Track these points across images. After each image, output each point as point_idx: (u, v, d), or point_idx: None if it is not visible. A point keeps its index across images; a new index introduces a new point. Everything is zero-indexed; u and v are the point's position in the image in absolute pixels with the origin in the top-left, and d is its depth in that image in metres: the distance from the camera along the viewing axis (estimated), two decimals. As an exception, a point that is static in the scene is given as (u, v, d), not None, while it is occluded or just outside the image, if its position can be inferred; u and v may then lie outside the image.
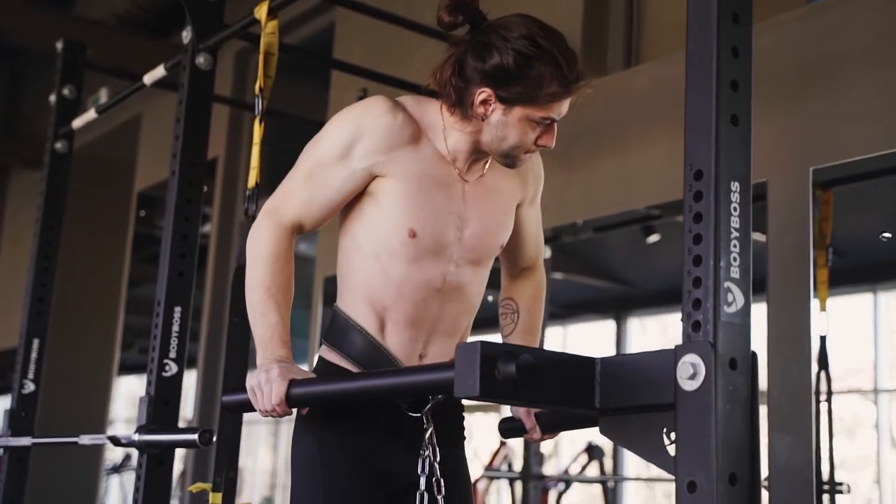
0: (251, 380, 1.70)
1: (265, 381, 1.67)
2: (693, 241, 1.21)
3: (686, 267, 1.21)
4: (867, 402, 5.33)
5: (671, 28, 3.40)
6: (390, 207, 1.81)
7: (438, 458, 1.83)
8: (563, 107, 1.78)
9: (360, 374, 1.62)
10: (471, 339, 1.98)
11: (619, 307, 7.04)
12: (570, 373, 1.30)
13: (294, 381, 1.66)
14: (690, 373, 1.16)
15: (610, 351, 6.73)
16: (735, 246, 1.20)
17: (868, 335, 5.14)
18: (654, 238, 4.44)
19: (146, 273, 6.92)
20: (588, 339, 7.41)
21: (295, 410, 1.74)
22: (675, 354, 1.19)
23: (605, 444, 6.25)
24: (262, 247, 1.81)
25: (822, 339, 2.92)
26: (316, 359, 1.93)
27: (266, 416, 1.71)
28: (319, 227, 1.88)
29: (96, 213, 7.12)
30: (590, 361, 1.31)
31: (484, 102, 1.77)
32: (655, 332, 7.38)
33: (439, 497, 1.82)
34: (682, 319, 1.22)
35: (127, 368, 7.08)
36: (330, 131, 1.84)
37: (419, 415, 1.85)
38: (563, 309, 6.57)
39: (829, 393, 3.01)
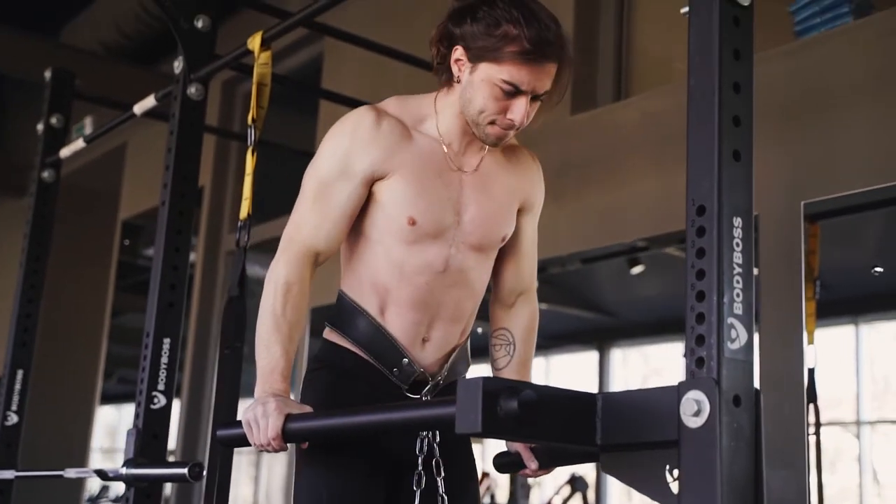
0: (247, 413, 1.69)
1: (261, 415, 1.66)
2: (696, 277, 1.21)
3: (689, 303, 1.21)
4: (848, 434, 5.33)
5: (660, 62, 3.42)
6: (390, 202, 1.86)
7: (438, 440, 1.86)
8: (529, 78, 1.76)
9: (359, 408, 1.60)
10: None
11: (601, 338, 7.03)
12: (571, 409, 1.29)
13: (290, 416, 1.65)
14: (695, 409, 1.16)
15: (593, 381, 6.73)
16: (738, 282, 1.20)
17: (850, 367, 5.14)
18: (637, 269, 4.44)
19: (127, 302, 6.87)
20: (571, 369, 7.40)
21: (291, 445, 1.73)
22: (678, 391, 1.19)
23: (589, 475, 6.23)
24: (277, 277, 1.82)
25: (811, 371, 2.92)
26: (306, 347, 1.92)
27: (261, 451, 1.69)
28: (336, 248, 1.89)
29: (80, 242, 7.07)
30: (591, 397, 1.30)
31: (457, 61, 1.83)
32: (637, 362, 7.37)
33: (438, 479, 1.84)
34: (684, 355, 1.21)
35: (105, 398, 7.01)
36: (326, 151, 1.88)
37: (418, 396, 1.88)
38: (546, 339, 6.57)
39: (818, 426, 3.01)
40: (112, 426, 8.31)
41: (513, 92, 1.77)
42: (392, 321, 1.88)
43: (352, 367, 1.89)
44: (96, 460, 7.32)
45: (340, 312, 1.93)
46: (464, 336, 1.97)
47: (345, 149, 1.85)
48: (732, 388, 1.17)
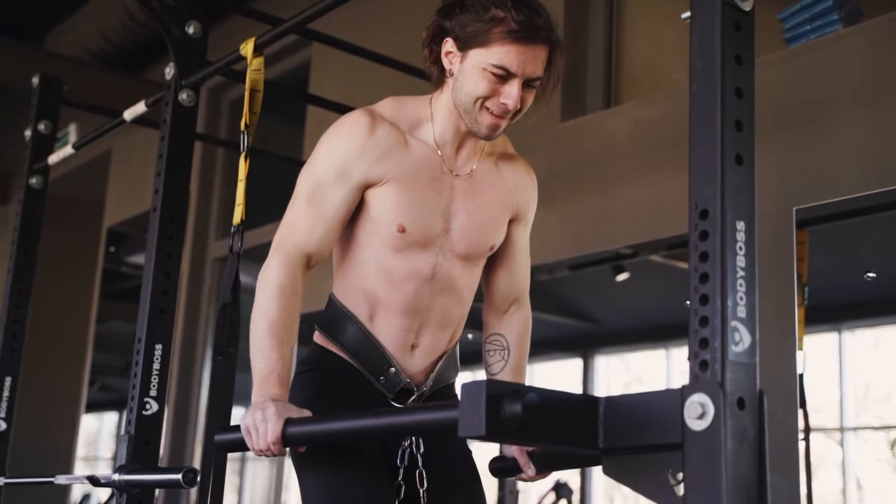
0: (246, 418, 1.68)
1: (261, 420, 1.65)
2: (699, 281, 1.21)
3: (692, 306, 1.21)
4: (830, 440, 5.37)
5: (649, 69, 3.43)
6: (382, 209, 1.85)
7: (423, 450, 1.87)
8: (519, 59, 1.75)
9: (360, 413, 1.60)
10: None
11: (586, 345, 7.05)
12: (573, 412, 1.29)
13: (290, 420, 1.64)
14: (699, 412, 1.16)
15: (577, 388, 6.74)
16: (741, 285, 1.20)
17: (833, 374, 5.18)
18: (622, 276, 4.45)
19: (110, 309, 6.84)
20: (555, 376, 7.42)
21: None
22: (682, 394, 1.19)
23: (573, 481, 6.23)
24: (269, 279, 1.82)
25: (800, 377, 2.94)
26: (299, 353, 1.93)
27: (260, 455, 1.69)
28: (327, 251, 1.89)
29: (65, 249, 7.03)
30: (593, 401, 1.31)
31: (448, 54, 1.83)
32: (619, 369, 7.40)
33: (421, 490, 1.85)
34: (688, 358, 1.21)
35: (86, 406, 6.97)
36: (321, 154, 1.88)
37: (403, 406, 1.89)
38: (531, 346, 6.56)
39: (807, 431, 3.02)
40: (92, 434, 8.25)
41: (504, 76, 1.76)
42: (381, 328, 1.89)
43: (339, 372, 1.90)
44: (77, 468, 7.28)
45: (330, 317, 1.94)
46: (452, 342, 1.98)
47: (340, 152, 1.85)
48: (736, 391, 1.17)
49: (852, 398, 5.31)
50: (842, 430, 5.33)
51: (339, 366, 1.90)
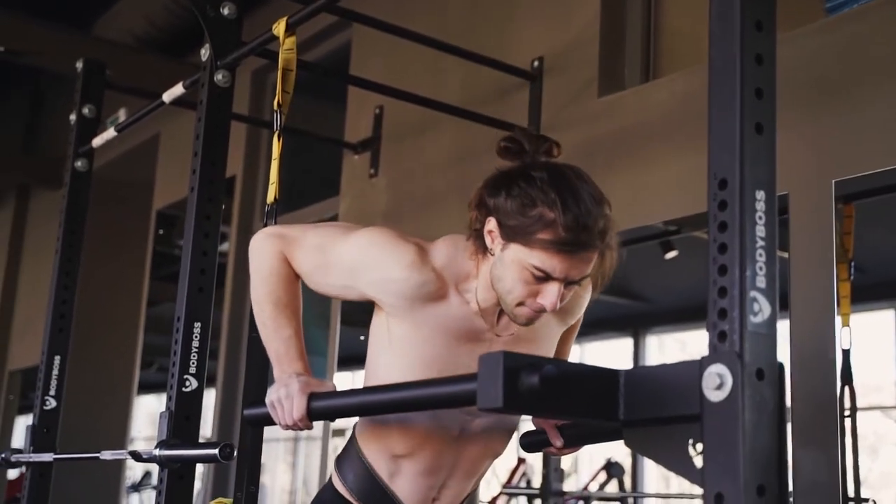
0: (272, 395, 1.70)
1: (285, 396, 1.66)
2: (718, 251, 1.20)
3: (711, 277, 1.20)
4: (889, 419, 5.29)
5: (689, 42, 3.39)
6: (403, 352, 1.77)
7: None
8: (563, 266, 1.64)
9: (382, 386, 1.60)
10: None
11: (636, 324, 7.00)
12: (593, 385, 1.29)
13: (314, 395, 1.66)
14: (717, 383, 1.15)
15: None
16: (761, 255, 1.19)
17: (889, 352, 5.09)
18: (671, 254, 4.41)
19: (163, 291, 6.93)
20: (606, 356, 7.39)
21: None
22: (700, 365, 1.18)
23: (625, 461, 6.22)
24: (267, 265, 1.82)
25: (846, 353, 2.89)
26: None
27: (287, 430, 1.71)
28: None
29: (116, 232, 7.15)
30: (613, 373, 1.30)
31: (490, 233, 1.71)
32: (673, 349, 7.34)
33: None
34: (707, 329, 1.20)
35: (146, 387, 7.08)
36: (356, 243, 1.80)
37: None
38: (581, 326, 6.54)
39: (854, 409, 2.97)
40: (154, 414, 8.39)
41: (544, 278, 1.65)
42: (401, 485, 1.83)
43: None
44: (140, 448, 7.39)
45: (349, 462, 1.88)
46: (477, 484, 1.93)
47: (369, 260, 1.77)
48: (755, 362, 1.15)
49: (909, 377, 5.21)
50: (899, 408, 5.24)
51: None
